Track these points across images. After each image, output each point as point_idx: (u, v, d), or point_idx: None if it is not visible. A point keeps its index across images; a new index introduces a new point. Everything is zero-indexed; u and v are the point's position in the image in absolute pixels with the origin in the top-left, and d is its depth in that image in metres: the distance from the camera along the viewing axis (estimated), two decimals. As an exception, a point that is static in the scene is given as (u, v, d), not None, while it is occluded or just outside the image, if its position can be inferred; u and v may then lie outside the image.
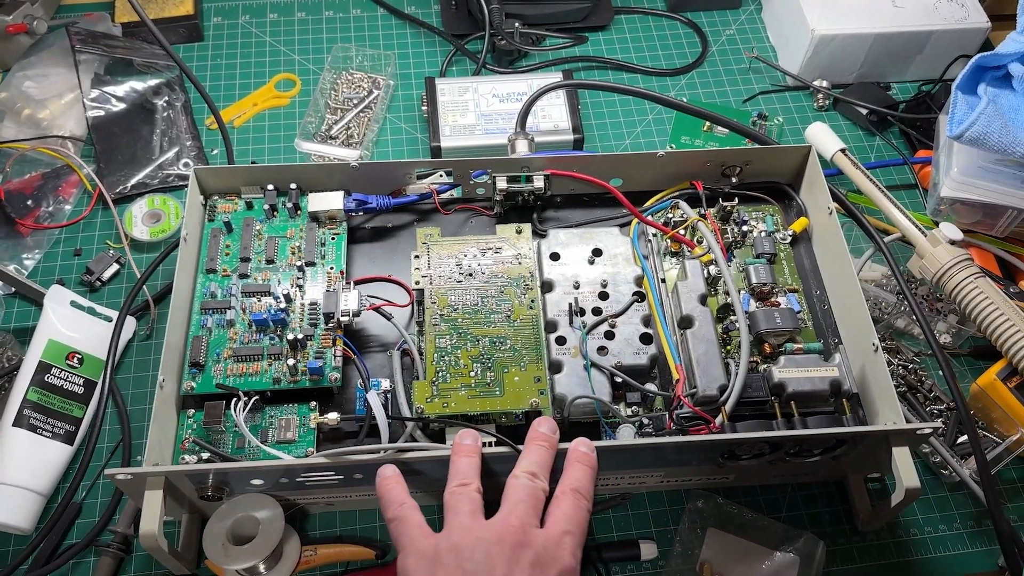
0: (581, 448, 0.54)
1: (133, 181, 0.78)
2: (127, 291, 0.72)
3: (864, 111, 0.84)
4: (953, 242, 0.68)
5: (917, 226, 0.71)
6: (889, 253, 0.69)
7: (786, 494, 0.66)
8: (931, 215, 0.77)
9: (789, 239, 0.71)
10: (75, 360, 0.66)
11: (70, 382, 0.65)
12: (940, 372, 0.68)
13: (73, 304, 0.68)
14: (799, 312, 0.67)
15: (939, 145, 0.77)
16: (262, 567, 0.58)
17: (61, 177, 0.77)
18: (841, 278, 0.66)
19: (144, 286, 0.70)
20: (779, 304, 0.67)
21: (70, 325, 0.67)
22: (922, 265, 0.70)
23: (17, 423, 0.61)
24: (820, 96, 0.87)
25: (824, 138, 0.78)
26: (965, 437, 0.66)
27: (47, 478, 0.62)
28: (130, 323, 0.70)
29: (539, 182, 0.69)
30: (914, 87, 0.89)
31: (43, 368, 0.64)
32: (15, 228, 0.74)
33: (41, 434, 0.62)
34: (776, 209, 0.73)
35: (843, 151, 0.77)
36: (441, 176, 0.72)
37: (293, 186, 0.69)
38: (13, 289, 0.71)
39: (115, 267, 0.73)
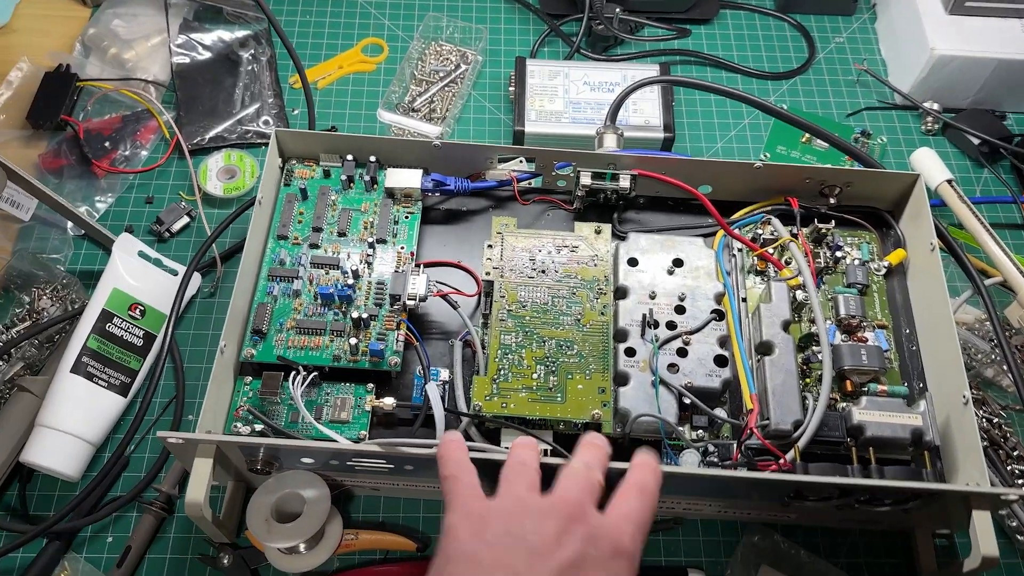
0: (646, 455, 0.50)
1: (211, 133, 0.76)
2: (195, 245, 0.71)
3: (976, 140, 0.79)
4: (1062, 295, 0.64)
5: (1021, 271, 0.66)
6: (988, 296, 0.65)
7: (848, 539, 0.63)
8: (1038, 261, 0.72)
9: (884, 271, 0.67)
10: (137, 311, 0.65)
11: (130, 333, 0.64)
12: (1028, 431, 0.64)
13: (141, 254, 0.67)
14: (887, 351, 0.63)
15: (1056, 187, 0.72)
16: (302, 547, 0.57)
17: (140, 121, 0.77)
18: (936, 320, 0.62)
19: (213, 243, 0.69)
20: (867, 340, 0.63)
21: (136, 275, 0.66)
22: (1022, 315, 0.65)
23: (75, 370, 0.61)
24: (929, 119, 0.82)
25: (930, 166, 0.74)
26: (1048, 504, 0.62)
27: (98, 428, 0.61)
28: (195, 279, 0.69)
29: (625, 182, 0.66)
30: (1033, 119, 0.83)
31: (105, 316, 0.63)
32: (91, 169, 0.73)
33: (97, 383, 0.62)
34: (873, 237, 0.69)
35: (949, 182, 0.72)
36: (522, 163, 0.69)
37: (372, 159, 0.67)
38: (83, 232, 0.70)
39: (185, 219, 0.72)
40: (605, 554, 0.44)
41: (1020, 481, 0.64)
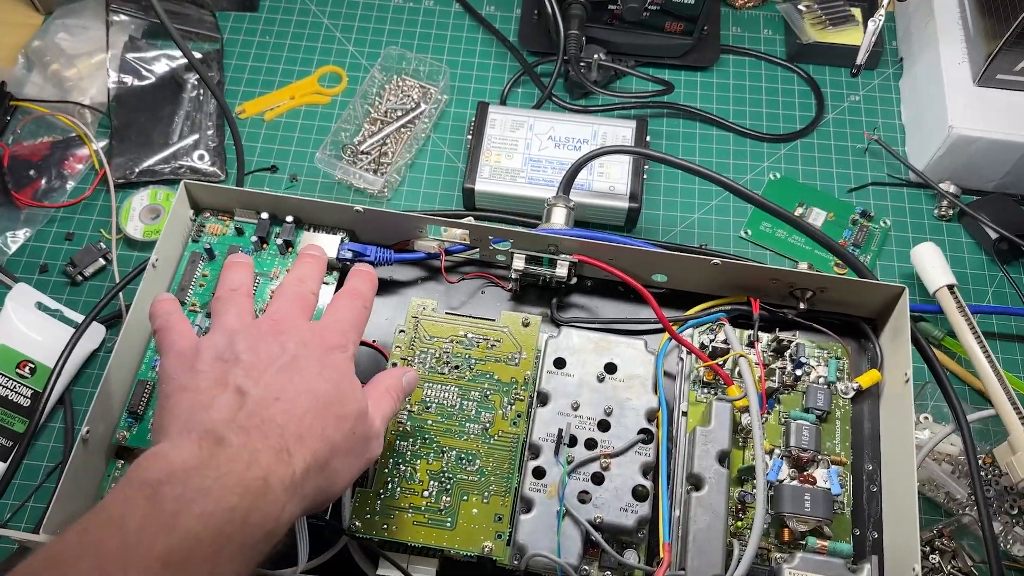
0: (362, 265, 0.53)
1: (142, 166, 0.71)
2: (103, 296, 0.66)
3: (994, 234, 0.69)
4: (1058, 447, 0.54)
5: (1018, 408, 0.57)
6: (970, 438, 0.56)
7: None
8: (1043, 391, 0.63)
9: (852, 394, 0.58)
10: (26, 369, 0.61)
11: (16, 392, 0.60)
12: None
13: (39, 306, 0.63)
14: (837, 495, 0.55)
15: (1076, 307, 0.62)
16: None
17: (70, 148, 0.72)
18: (899, 467, 0.54)
19: (120, 293, 0.64)
20: (815, 480, 0.55)
21: (32, 328, 0.62)
22: (1011, 462, 0.56)
23: (-54, 433, 0.57)
24: (944, 203, 0.72)
25: (932, 265, 0.64)
26: None
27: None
28: (98, 331, 0.64)
29: (562, 270, 0.59)
30: (1067, 212, 0.72)
31: (-12, 375, 0.59)
32: (11, 200, 0.69)
33: (-29, 447, 0.58)
34: (845, 351, 0.60)
35: (950, 287, 0.63)
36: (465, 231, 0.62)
37: (290, 219, 0.61)
38: (-17, 272, 0.66)
39: (101, 262, 0.68)
40: (317, 351, 0.45)
41: (987, 656, 0.56)
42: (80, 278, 0.67)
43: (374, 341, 0.61)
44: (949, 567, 0.58)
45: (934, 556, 0.59)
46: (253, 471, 0.38)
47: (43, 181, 0.70)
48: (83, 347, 0.62)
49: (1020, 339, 0.67)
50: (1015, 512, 0.60)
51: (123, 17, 0.75)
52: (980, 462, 0.61)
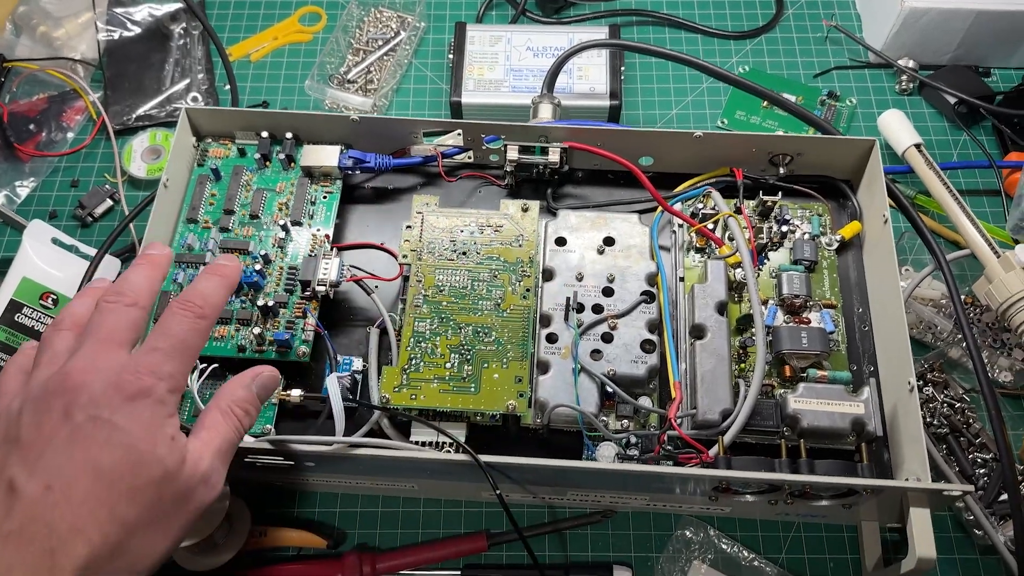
0: (217, 261, 0.47)
1: (138, 112, 0.74)
2: (114, 230, 0.68)
3: (952, 100, 0.73)
4: (1029, 270, 0.58)
5: (991, 244, 0.61)
6: (950, 272, 0.60)
7: (789, 533, 0.59)
8: (1011, 232, 0.67)
9: (836, 245, 0.62)
10: (49, 300, 0.63)
11: (42, 323, 0.62)
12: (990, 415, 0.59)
13: (55, 241, 0.65)
14: (832, 332, 0.58)
15: (1033, 150, 0.66)
16: (206, 544, 0.55)
17: (67, 102, 0.74)
18: (887, 300, 0.57)
19: (131, 225, 0.67)
20: (809, 321, 0.58)
21: (50, 263, 0.64)
22: (989, 291, 0.60)
23: (-20, 363, 0.59)
24: (904, 78, 0.76)
25: (898, 129, 0.68)
26: (1007, 496, 0.57)
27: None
28: (113, 264, 0.67)
29: (555, 156, 0.62)
30: (1019, 75, 0.76)
31: (14, 307, 0.62)
32: (14, 153, 0.71)
33: (4, 376, 0.60)
34: (826, 209, 0.64)
35: (917, 146, 0.67)
36: (457, 135, 0.65)
37: (289, 135, 0.64)
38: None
39: (108, 203, 0.70)
40: (111, 408, 0.38)
41: (982, 471, 0.60)
42: (90, 219, 0.69)
43: (382, 243, 0.64)
44: (942, 396, 0.62)
45: (927, 388, 0.62)
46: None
47: (44, 134, 0.72)
48: (101, 279, 0.64)
49: (984, 192, 0.71)
50: (998, 345, 0.64)
51: (105, -26, 0.77)
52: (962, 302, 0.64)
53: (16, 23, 0.78)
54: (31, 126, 0.73)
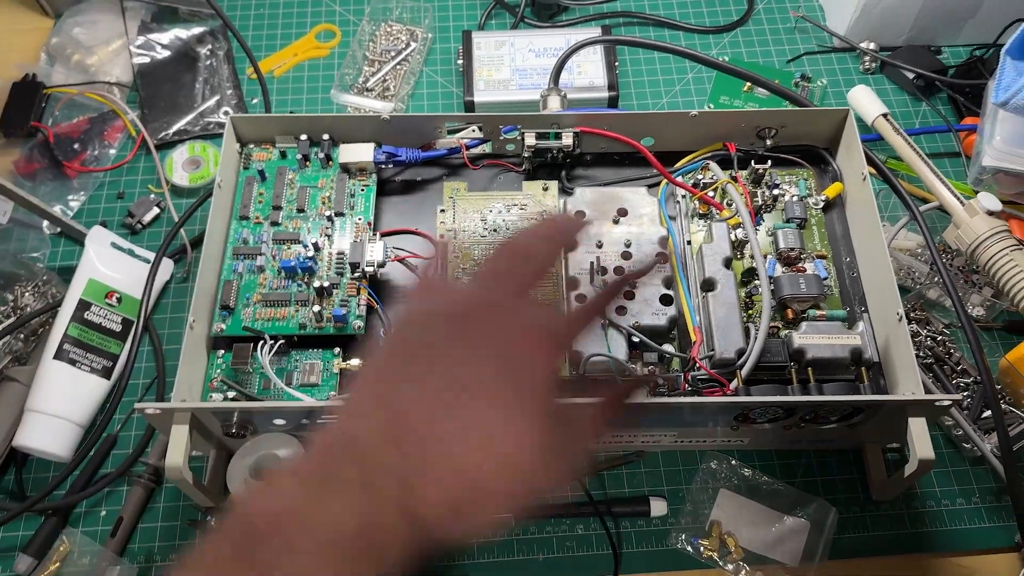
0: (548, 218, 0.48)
1: (175, 128, 0.80)
2: (166, 234, 0.74)
3: (911, 75, 0.82)
4: (991, 213, 0.66)
5: (955, 195, 0.69)
6: (923, 221, 0.67)
7: (801, 460, 0.66)
8: (972, 185, 0.75)
9: (822, 204, 0.70)
10: (114, 299, 0.69)
11: (109, 320, 0.68)
12: (969, 345, 0.67)
13: (113, 245, 0.71)
14: (825, 279, 0.66)
15: (985, 112, 0.75)
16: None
17: (107, 122, 0.80)
18: (871, 246, 0.65)
19: (182, 230, 0.72)
20: (805, 270, 0.66)
21: (110, 265, 0.70)
22: (958, 235, 0.68)
23: (58, 356, 0.65)
24: (867, 59, 0.85)
25: (866, 102, 0.76)
26: (990, 412, 0.65)
27: (85, 410, 0.65)
28: (167, 265, 0.72)
29: (568, 139, 0.69)
30: (966, 51, 0.86)
31: (83, 306, 0.67)
32: (62, 171, 0.77)
33: (80, 368, 0.65)
34: (810, 174, 0.71)
35: (885, 116, 0.75)
36: (472, 131, 0.72)
37: (325, 137, 0.70)
38: (59, 229, 0.74)
39: (155, 211, 0.76)
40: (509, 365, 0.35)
41: (964, 394, 0.67)
42: (139, 226, 0.75)
43: (417, 228, 0.70)
44: (925, 331, 0.70)
45: (911, 325, 0.70)
46: (365, 514, 0.31)
47: (88, 152, 0.78)
48: (158, 279, 0.69)
49: (945, 155, 0.80)
50: (969, 285, 0.72)
51: (133, 4, 0.83)
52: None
53: (50, 53, 0.84)
54: (76, 145, 0.78)
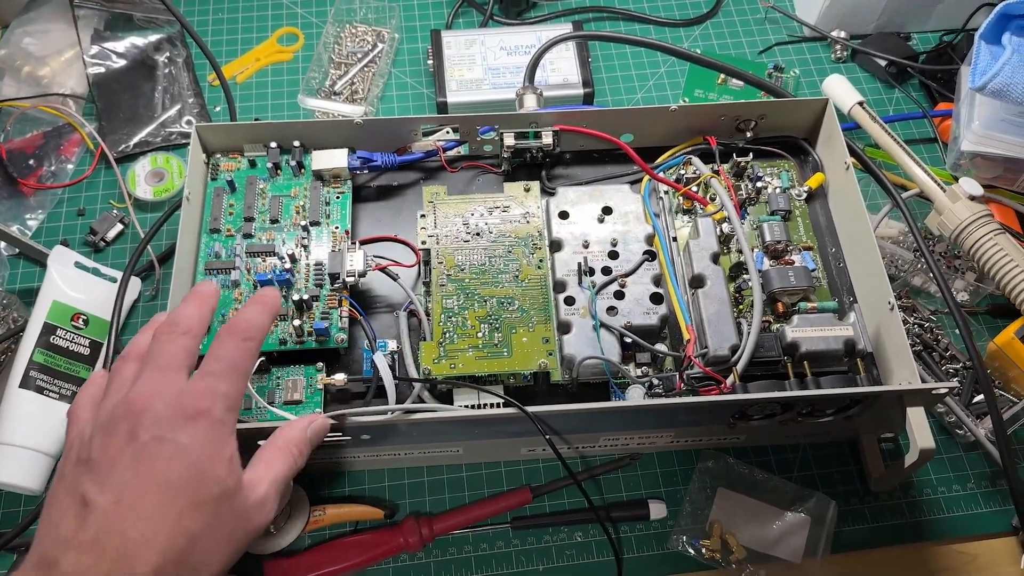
0: (260, 292, 0.51)
1: (135, 139, 0.76)
2: (131, 251, 0.71)
3: (883, 63, 0.82)
4: (973, 197, 0.67)
5: (936, 181, 0.69)
6: (906, 208, 0.67)
7: (798, 454, 0.65)
8: (951, 170, 0.75)
9: (805, 195, 0.69)
10: (80, 321, 0.65)
11: (76, 343, 0.65)
12: (957, 331, 0.67)
13: (77, 265, 0.67)
14: (814, 270, 0.65)
15: (960, 97, 0.75)
16: (271, 528, 0.58)
17: (63, 136, 0.76)
18: (857, 235, 0.65)
19: (148, 246, 0.69)
20: (793, 262, 0.65)
21: (75, 286, 0.66)
22: (940, 221, 0.68)
23: (24, 385, 0.61)
24: (838, 47, 0.84)
25: (841, 91, 0.76)
26: (981, 397, 0.65)
27: (55, 439, 0.61)
28: (135, 284, 0.69)
29: (547, 138, 0.68)
30: (935, 37, 0.86)
31: (48, 329, 0.64)
32: (17, 188, 0.73)
33: (48, 395, 0.62)
34: (792, 165, 0.71)
35: (861, 104, 0.75)
36: (448, 133, 0.70)
37: (296, 143, 0.68)
38: (17, 250, 0.70)
39: (119, 227, 0.72)
40: (173, 427, 0.42)
41: (954, 378, 0.67)
42: (103, 243, 0.72)
43: (396, 235, 0.68)
44: (912, 319, 0.69)
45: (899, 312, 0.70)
46: None
47: (44, 168, 0.74)
48: (126, 299, 0.66)
49: (921, 141, 0.80)
50: (952, 270, 0.72)
51: (86, 11, 0.79)
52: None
53: (-2, 67, 0.80)
54: (31, 161, 0.75)
